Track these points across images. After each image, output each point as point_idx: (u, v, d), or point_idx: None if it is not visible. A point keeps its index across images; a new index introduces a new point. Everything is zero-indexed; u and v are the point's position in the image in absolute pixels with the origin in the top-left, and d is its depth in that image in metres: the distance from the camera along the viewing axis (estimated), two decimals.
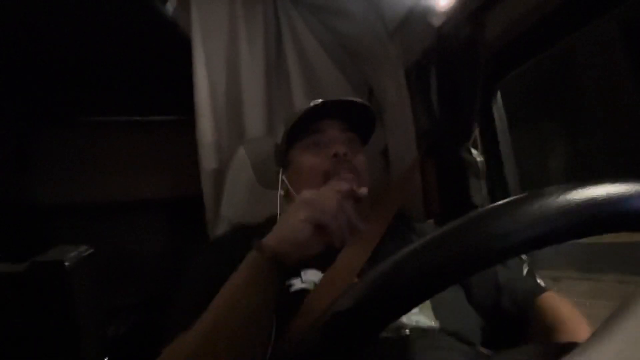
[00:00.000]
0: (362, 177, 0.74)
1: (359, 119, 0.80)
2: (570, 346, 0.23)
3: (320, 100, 0.77)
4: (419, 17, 0.96)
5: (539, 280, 0.86)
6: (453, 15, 0.88)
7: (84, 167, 1.77)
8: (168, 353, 0.54)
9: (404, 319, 0.58)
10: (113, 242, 1.65)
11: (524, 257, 0.87)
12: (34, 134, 1.74)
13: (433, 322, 0.60)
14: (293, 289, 0.64)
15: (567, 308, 0.63)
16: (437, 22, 0.92)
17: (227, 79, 1.19)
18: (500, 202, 0.29)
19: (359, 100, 0.78)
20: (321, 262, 0.65)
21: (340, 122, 0.79)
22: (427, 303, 0.62)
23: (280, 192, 0.78)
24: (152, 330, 0.63)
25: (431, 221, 1.05)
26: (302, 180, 0.74)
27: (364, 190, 0.60)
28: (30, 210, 1.68)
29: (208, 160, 1.13)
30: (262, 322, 0.53)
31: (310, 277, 0.65)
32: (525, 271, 0.85)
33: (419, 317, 0.60)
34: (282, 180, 0.78)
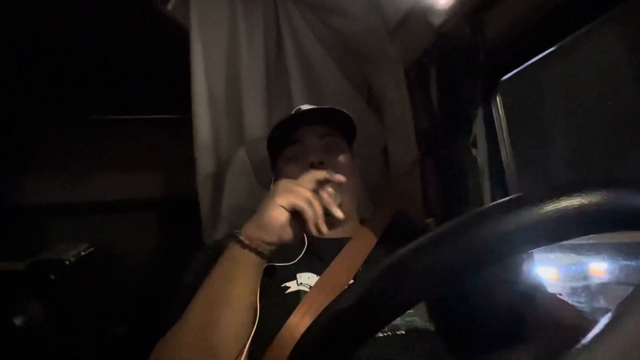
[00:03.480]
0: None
1: (339, 120, 0.80)
2: (569, 347, 0.23)
3: (294, 109, 0.79)
4: (419, 16, 0.96)
5: (539, 281, 0.86)
6: (453, 14, 0.88)
7: (81, 167, 1.77)
8: (157, 350, 0.55)
9: (399, 320, 0.59)
10: (109, 242, 1.65)
11: (524, 256, 0.87)
12: (34, 134, 1.74)
13: (428, 323, 0.60)
14: (288, 291, 0.64)
15: (566, 308, 0.63)
16: (437, 20, 0.92)
17: (226, 78, 1.18)
18: (499, 201, 0.29)
19: (330, 107, 0.77)
20: (317, 264, 0.65)
21: (318, 128, 0.78)
22: (422, 304, 0.62)
23: None
24: (151, 329, 0.63)
25: (431, 220, 1.05)
26: None
27: (339, 177, 0.62)
28: (26, 210, 1.68)
29: (205, 162, 1.12)
30: (242, 310, 0.54)
31: (306, 280, 0.66)
32: (525, 272, 0.85)
33: (414, 317, 0.61)
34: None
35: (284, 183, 0.59)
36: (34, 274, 1.22)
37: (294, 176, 0.74)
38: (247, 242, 0.55)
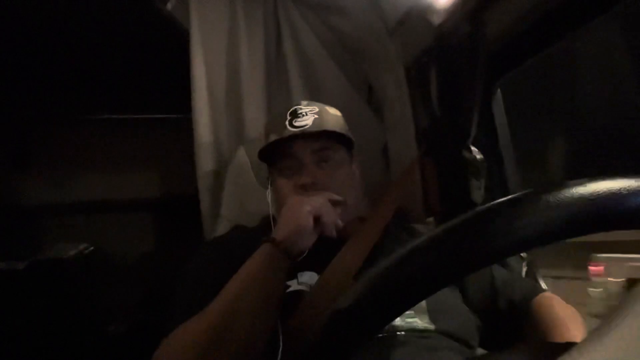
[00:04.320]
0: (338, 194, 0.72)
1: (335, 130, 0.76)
2: (567, 346, 0.23)
3: (287, 127, 0.73)
4: (419, 15, 0.96)
5: (538, 280, 0.86)
6: (453, 13, 0.88)
7: (81, 167, 1.76)
8: (180, 333, 0.55)
9: (400, 321, 0.59)
10: (109, 241, 1.65)
11: (523, 255, 0.87)
12: (34, 134, 1.73)
13: (429, 325, 0.60)
14: (289, 290, 0.64)
15: (564, 308, 0.63)
16: (436, 20, 0.92)
17: (226, 77, 1.18)
18: (498, 200, 0.29)
19: (323, 129, 0.73)
20: (318, 263, 0.66)
21: (312, 142, 0.73)
22: (423, 305, 0.62)
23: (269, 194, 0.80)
24: (152, 328, 0.63)
25: (431, 219, 1.05)
26: (280, 202, 0.74)
27: (338, 197, 0.69)
28: (26, 210, 1.68)
29: (205, 161, 1.12)
30: (271, 309, 0.57)
31: (307, 278, 0.66)
32: (524, 271, 0.85)
33: (415, 319, 0.60)
34: (269, 196, 0.79)
35: (300, 198, 0.66)
36: (34, 274, 1.22)
37: (285, 191, 0.73)
38: (281, 245, 0.60)
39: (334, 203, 0.67)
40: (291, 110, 0.75)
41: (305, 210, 0.62)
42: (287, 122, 0.73)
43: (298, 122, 0.72)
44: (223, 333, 0.52)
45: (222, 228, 1.04)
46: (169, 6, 1.15)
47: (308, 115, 0.73)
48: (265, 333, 0.55)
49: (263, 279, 0.57)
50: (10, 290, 1.24)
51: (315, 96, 1.16)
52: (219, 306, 0.55)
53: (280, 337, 0.55)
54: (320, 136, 0.73)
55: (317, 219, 0.63)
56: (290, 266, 0.61)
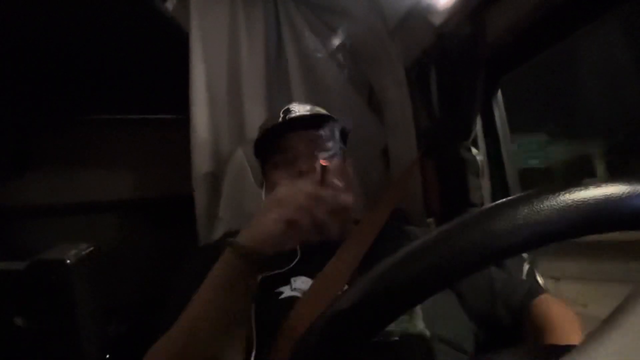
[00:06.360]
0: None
1: (329, 122, 0.77)
2: (567, 348, 0.23)
3: (281, 117, 0.77)
4: (419, 16, 0.96)
5: (539, 280, 0.86)
6: (453, 13, 0.88)
7: (81, 167, 1.76)
8: (151, 354, 0.54)
9: (394, 326, 0.58)
10: (109, 242, 1.65)
11: (524, 256, 0.87)
12: (34, 134, 1.73)
13: (424, 330, 0.59)
14: (282, 296, 0.63)
15: (562, 311, 0.62)
16: (437, 20, 0.92)
17: (227, 78, 1.18)
18: (498, 201, 0.29)
19: (317, 113, 0.77)
20: (311, 268, 0.64)
21: (307, 133, 0.75)
22: (418, 311, 0.61)
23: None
24: (151, 330, 0.63)
25: (431, 220, 1.05)
26: None
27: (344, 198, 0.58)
28: (26, 210, 1.68)
29: (201, 162, 1.11)
30: (237, 320, 0.53)
31: (300, 284, 0.65)
32: (525, 271, 0.85)
33: (409, 324, 0.59)
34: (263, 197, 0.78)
35: (278, 194, 0.56)
36: (34, 274, 1.21)
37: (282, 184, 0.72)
38: (243, 252, 0.53)
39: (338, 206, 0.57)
40: (284, 109, 0.79)
41: (272, 217, 0.53)
42: (280, 119, 0.76)
43: (292, 115, 0.76)
44: (185, 353, 0.51)
45: (220, 229, 1.03)
46: (169, 7, 1.15)
47: (301, 111, 0.77)
48: (236, 339, 0.53)
49: (224, 290, 0.53)
50: (11, 290, 1.24)
51: (315, 97, 1.16)
52: (180, 325, 0.53)
53: (254, 342, 0.54)
54: (314, 126, 0.75)
55: (292, 223, 0.53)
56: (260, 269, 0.55)
